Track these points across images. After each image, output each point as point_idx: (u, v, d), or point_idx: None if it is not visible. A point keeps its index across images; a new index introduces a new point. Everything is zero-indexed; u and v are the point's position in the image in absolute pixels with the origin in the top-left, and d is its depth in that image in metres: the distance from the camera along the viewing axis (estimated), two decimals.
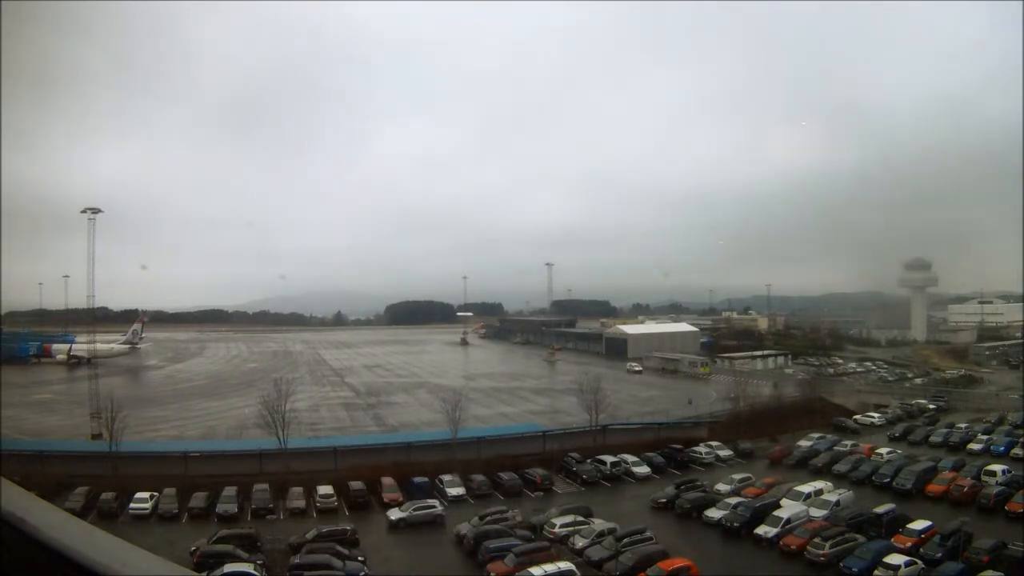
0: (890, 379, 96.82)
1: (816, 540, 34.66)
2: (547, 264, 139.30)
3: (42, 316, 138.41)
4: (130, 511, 40.62)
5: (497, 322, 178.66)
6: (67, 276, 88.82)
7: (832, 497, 41.98)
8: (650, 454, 52.77)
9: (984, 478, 45.18)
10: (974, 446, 55.67)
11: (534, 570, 30.77)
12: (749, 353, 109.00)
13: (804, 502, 40.93)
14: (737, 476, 47.24)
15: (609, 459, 50.58)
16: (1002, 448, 54.19)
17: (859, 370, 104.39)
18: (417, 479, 45.51)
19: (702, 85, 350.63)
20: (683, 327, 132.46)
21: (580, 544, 35.60)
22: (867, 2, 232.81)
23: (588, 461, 50.37)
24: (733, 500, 41.04)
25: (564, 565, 31.55)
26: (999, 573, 30.48)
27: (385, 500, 43.43)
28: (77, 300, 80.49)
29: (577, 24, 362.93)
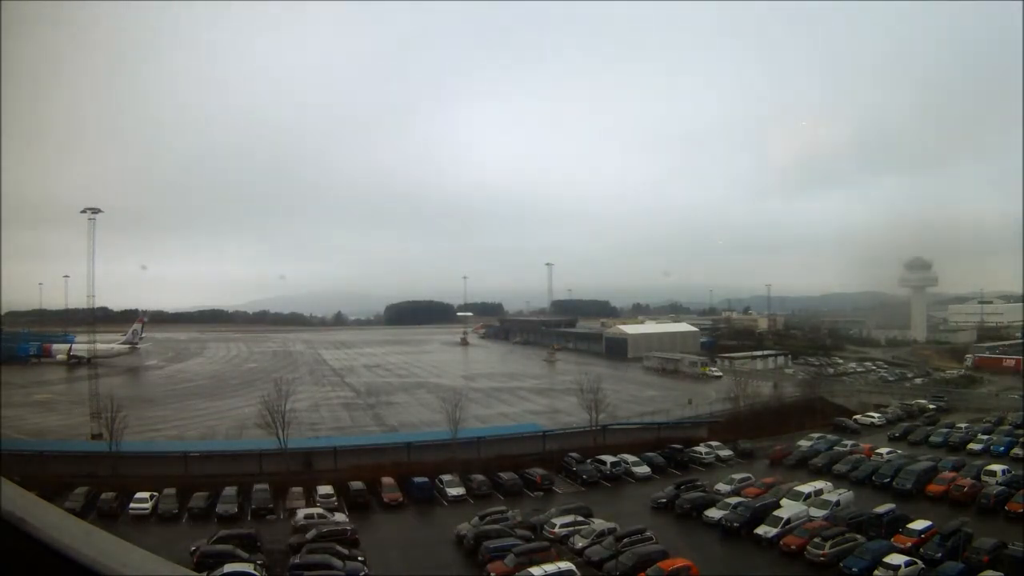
0: (890, 379, 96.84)
1: (816, 540, 34.60)
2: (547, 264, 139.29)
3: (42, 316, 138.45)
4: (130, 511, 40.60)
5: (497, 322, 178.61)
6: (67, 276, 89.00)
7: (832, 497, 41.93)
8: (650, 454, 52.76)
9: (984, 478, 45.13)
10: (974, 446, 55.65)
11: (534, 570, 30.74)
12: (749, 353, 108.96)
13: (804, 502, 40.86)
14: (737, 476, 47.21)
15: (609, 459, 50.53)
16: (1002, 448, 54.16)
17: (859, 370, 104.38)
18: (417, 479, 45.50)
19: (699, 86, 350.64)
20: (683, 327, 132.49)
21: (580, 544, 35.57)
22: (867, 2, 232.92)
23: (588, 461, 50.34)
24: (733, 500, 41.00)
25: (564, 565, 31.51)
26: (999, 573, 30.44)
27: (385, 500, 43.47)
28: (77, 300, 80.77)
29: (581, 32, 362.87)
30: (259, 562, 32.25)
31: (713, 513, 39.85)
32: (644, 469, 50.34)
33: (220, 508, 41.00)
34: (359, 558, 33.65)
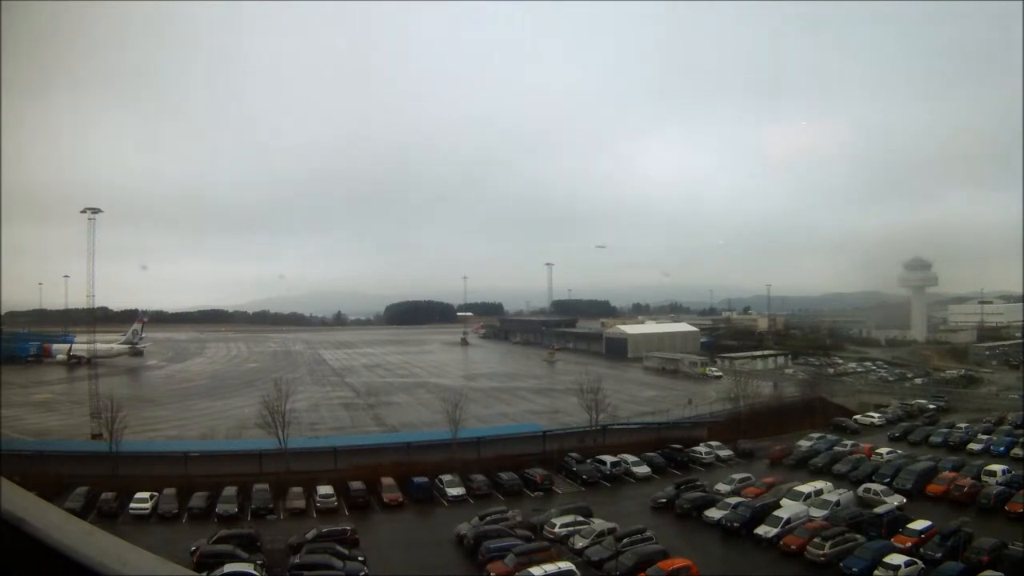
0: (890, 379, 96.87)
1: (816, 540, 34.61)
2: (547, 264, 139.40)
3: (42, 316, 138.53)
4: (130, 511, 40.60)
5: (497, 322, 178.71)
6: (67, 276, 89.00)
7: (832, 497, 41.94)
8: (650, 454, 52.75)
9: (984, 478, 45.13)
10: (974, 446, 55.63)
11: (534, 570, 30.72)
12: (749, 353, 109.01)
13: (804, 502, 40.85)
14: (737, 476, 47.20)
15: (609, 459, 50.52)
16: (1002, 448, 54.12)
17: (859, 370, 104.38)
18: (417, 479, 45.51)
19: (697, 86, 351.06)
20: (683, 327, 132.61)
21: (580, 544, 35.57)
22: (867, 1, 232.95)
23: (588, 461, 50.34)
24: (733, 500, 40.99)
25: (564, 565, 31.51)
26: (999, 573, 30.45)
27: (385, 500, 43.48)
28: (77, 300, 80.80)
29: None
30: (259, 562, 32.25)
31: (713, 513, 39.82)
32: (644, 469, 50.32)
33: (220, 508, 40.99)
34: (359, 558, 33.67)
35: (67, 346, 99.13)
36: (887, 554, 32.69)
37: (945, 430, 60.80)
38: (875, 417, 67.82)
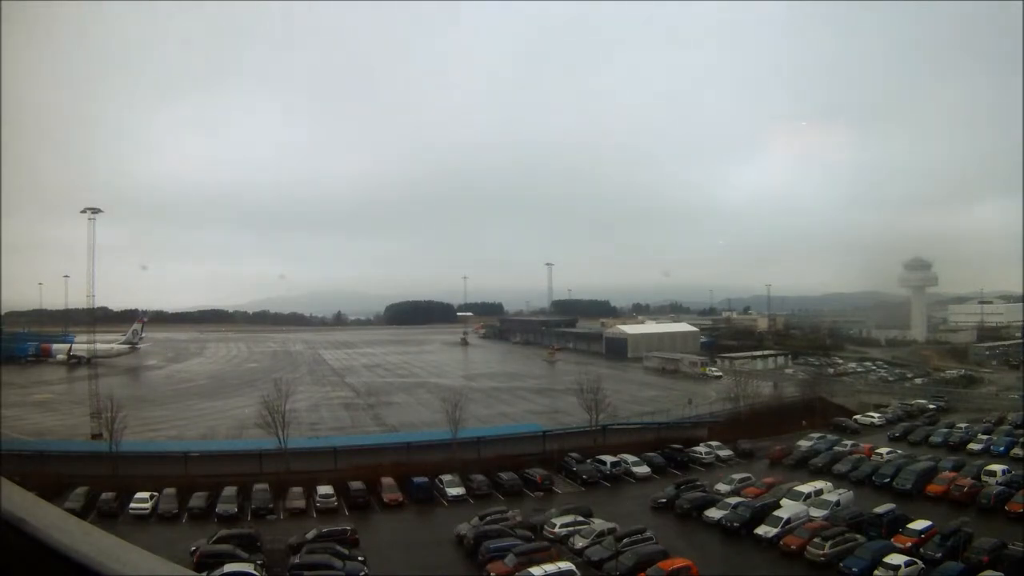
0: (890, 379, 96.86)
1: (816, 540, 34.61)
2: (547, 264, 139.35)
3: (42, 316, 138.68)
4: (130, 511, 40.61)
5: (497, 322, 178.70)
6: (67, 276, 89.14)
7: (832, 497, 41.92)
8: (650, 454, 52.73)
9: (984, 478, 45.13)
10: (974, 446, 55.63)
11: (534, 570, 30.72)
12: (749, 353, 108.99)
13: (804, 502, 40.85)
14: (737, 476, 47.19)
15: (609, 459, 50.51)
16: (1002, 448, 54.13)
17: (859, 370, 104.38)
18: (417, 479, 45.51)
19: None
20: (683, 327, 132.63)
21: (580, 544, 35.57)
22: (867, 2, 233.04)
23: (588, 461, 50.34)
24: (733, 500, 40.98)
25: (564, 565, 31.51)
26: (999, 573, 30.45)
27: (385, 500, 43.48)
28: (77, 300, 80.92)
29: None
30: (259, 562, 32.25)
31: (713, 513, 39.82)
32: (644, 469, 50.30)
33: (220, 508, 40.99)
34: (359, 558, 33.67)
35: (67, 346, 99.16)
36: (887, 554, 32.69)
37: (945, 430, 60.80)
38: (875, 417, 67.80)
